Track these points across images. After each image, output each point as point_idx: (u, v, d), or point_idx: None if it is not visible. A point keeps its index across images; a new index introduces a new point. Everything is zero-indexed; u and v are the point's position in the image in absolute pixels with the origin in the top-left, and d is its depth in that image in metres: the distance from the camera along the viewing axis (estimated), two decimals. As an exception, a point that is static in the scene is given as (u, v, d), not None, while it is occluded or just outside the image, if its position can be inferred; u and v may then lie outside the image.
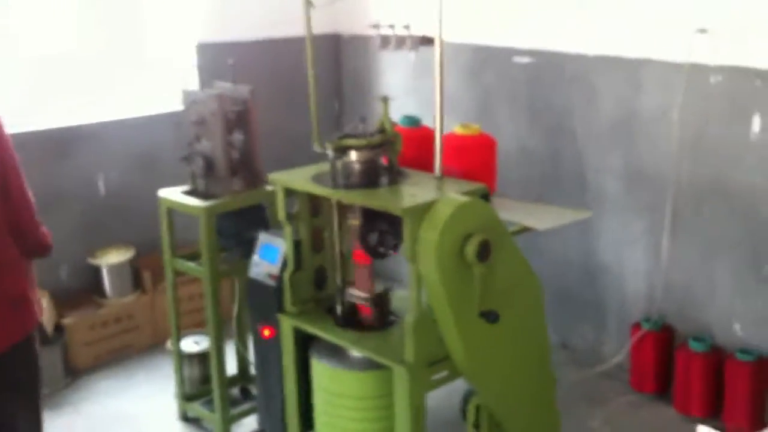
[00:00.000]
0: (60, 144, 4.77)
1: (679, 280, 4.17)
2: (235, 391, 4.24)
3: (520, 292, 3.13)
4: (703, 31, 3.84)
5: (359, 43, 5.63)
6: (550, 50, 4.50)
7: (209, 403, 4.05)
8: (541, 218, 3.33)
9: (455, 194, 2.95)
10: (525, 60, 4.63)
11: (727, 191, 3.93)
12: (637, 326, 4.24)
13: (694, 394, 3.97)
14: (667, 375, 4.17)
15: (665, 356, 4.16)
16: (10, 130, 4.53)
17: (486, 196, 3.08)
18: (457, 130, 3.47)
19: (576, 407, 4.10)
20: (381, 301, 3.37)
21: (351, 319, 3.33)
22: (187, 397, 4.14)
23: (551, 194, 4.44)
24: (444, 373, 3.11)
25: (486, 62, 4.83)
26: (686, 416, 4.01)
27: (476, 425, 3.33)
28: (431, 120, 3.31)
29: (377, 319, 3.33)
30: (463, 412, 3.39)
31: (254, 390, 4.19)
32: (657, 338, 4.16)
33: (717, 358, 3.95)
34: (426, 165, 3.33)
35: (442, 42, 3.03)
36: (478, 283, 2.91)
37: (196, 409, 4.10)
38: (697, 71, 3.90)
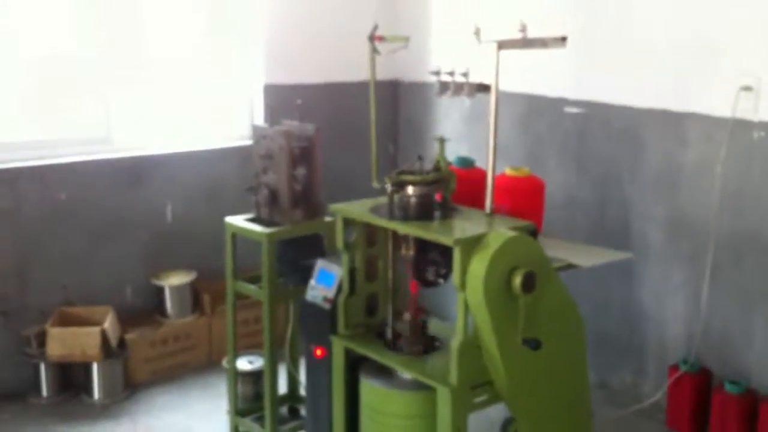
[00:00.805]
0: (133, 172, 5.09)
1: (717, 327, 4.31)
2: (284, 409, 4.46)
3: (562, 324, 3.31)
4: (747, 88, 4.04)
5: (417, 89, 5.92)
6: (600, 101, 4.72)
7: (260, 420, 4.26)
8: (584, 256, 3.53)
9: (504, 229, 3.17)
10: (575, 110, 4.85)
11: (766, 244, 4.08)
12: (675, 368, 4.38)
13: (728, 435, 4.10)
14: (703, 416, 4.29)
15: (702, 397, 4.29)
16: (89, 156, 4.93)
17: (533, 233, 3.29)
18: (508, 171, 3.70)
19: (612, 445, 4.25)
20: (427, 328, 3.59)
21: (399, 344, 3.54)
22: (239, 412, 4.36)
23: (596, 241, 4.59)
24: (485, 397, 3.30)
25: (538, 111, 5.07)
26: (720, 457, 4.14)
27: (514, 451, 3.51)
28: (483, 163, 3.54)
29: (423, 344, 3.54)
30: (502, 437, 3.58)
31: (302, 409, 4.40)
32: (694, 380, 4.31)
33: (752, 401, 4.08)
34: (477, 203, 3.55)
35: (497, 88, 3.29)
36: (522, 312, 3.11)
37: (247, 424, 4.31)
38: (740, 126, 4.08)
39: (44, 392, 4.73)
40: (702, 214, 4.31)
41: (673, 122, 4.41)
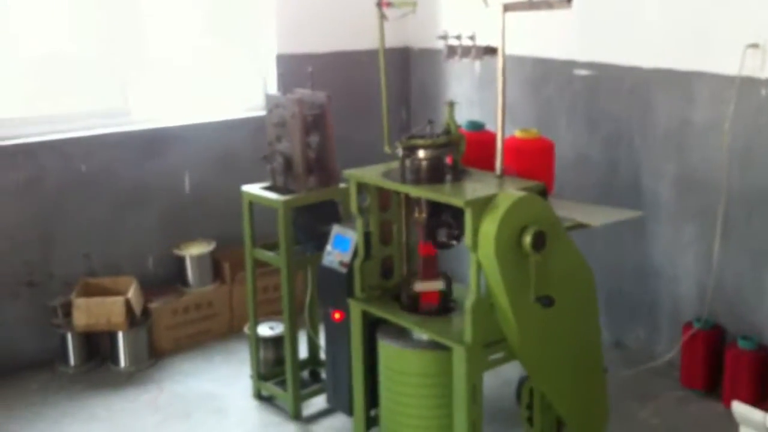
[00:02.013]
0: (151, 143, 5.18)
1: (729, 283, 4.37)
2: (305, 373, 4.57)
3: (573, 282, 3.39)
4: (754, 45, 4.06)
5: (427, 55, 5.95)
6: (609, 63, 4.75)
7: (282, 384, 4.38)
8: (594, 216, 3.60)
9: (514, 190, 3.24)
10: (584, 72, 4.89)
11: (776, 199, 4.13)
12: (688, 326, 4.45)
13: (741, 390, 4.14)
14: (716, 372, 4.35)
15: (715, 354, 4.35)
16: (107, 129, 5.03)
17: (543, 193, 3.35)
18: (518, 133, 3.75)
19: (626, 401, 4.32)
20: (442, 290, 3.67)
21: (415, 305, 3.63)
22: (261, 377, 4.47)
23: (607, 200, 4.66)
24: (499, 355, 3.39)
25: (547, 74, 5.11)
26: (734, 411, 4.21)
27: (529, 406, 3.60)
28: (493, 126, 3.60)
29: (439, 305, 3.63)
30: (518, 395, 3.67)
31: (323, 373, 4.51)
32: (707, 337, 4.37)
33: (765, 356, 4.14)
34: (487, 166, 3.61)
35: (504, 46, 3.34)
36: (533, 271, 3.18)
37: (270, 388, 4.43)
38: (748, 84, 4.11)
39: (71, 361, 4.85)
40: (712, 171, 4.35)
41: (681, 81, 4.44)
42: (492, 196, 3.20)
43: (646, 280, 4.79)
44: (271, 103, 4.32)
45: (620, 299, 4.90)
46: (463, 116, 3.76)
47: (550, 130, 4.80)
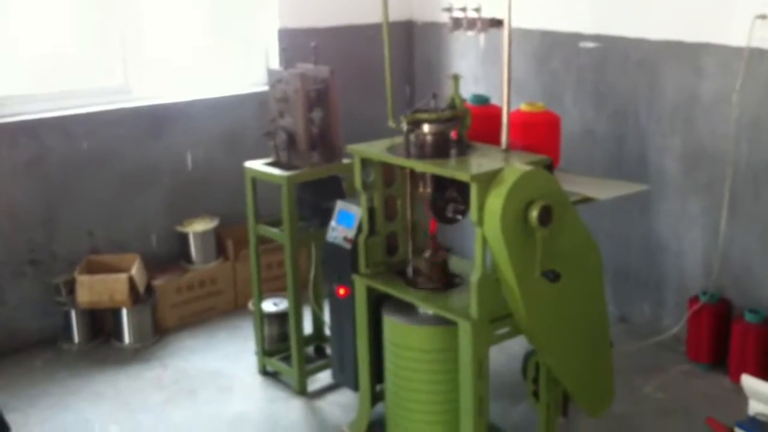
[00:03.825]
0: (152, 120, 5.14)
1: (736, 257, 4.34)
2: (310, 349, 4.56)
3: (579, 256, 3.36)
4: (763, 16, 4.00)
5: (431, 29, 5.89)
6: (615, 35, 4.70)
7: (287, 359, 4.37)
8: (601, 190, 3.56)
9: (520, 164, 3.20)
10: (590, 45, 4.83)
11: (784, 172, 4.09)
12: (694, 300, 4.42)
13: (748, 364, 4.13)
14: (723, 346, 4.34)
15: (721, 328, 4.33)
16: (109, 106, 4.99)
17: (549, 167, 3.32)
18: (523, 107, 3.71)
19: (632, 375, 4.31)
20: (447, 265, 3.65)
21: (420, 281, 3.60)
22: (266, 353, 4.46)
23: (613, 174, 4.63)
24: (505, 330, 3.36)
25: (553, 47, 5.05)
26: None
27: (535, 381, 3.58)
28: (499, 100, 3.56)
29: (444, 281, 3.60)
30: (524, 370, 3.65)
31: (328, 348, 4.50)
32: (714, 310, 4.35)
33: (771, 330, 4.12)
34: (493, 140, 3.57)
35: (510, 23, 3.30)
36: (539, 246, 3.15)
37: (275, 364, 4.42)
38: (756, 56, 4.06)
39: (75, 338, 4.85)
40: (719, 144, 4.31)
41: (688, 53, 4.38)
42: (498, 171, 3.16)
43: (652, 255, 4.76)
44: (274, 78, 4.28)
45: (626, 274, 4.88)
46: (467, 91, 3.71)
47: (556, 104, 4.77)
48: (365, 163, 3.63)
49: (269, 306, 4.55)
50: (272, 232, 4.25)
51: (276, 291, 4.82)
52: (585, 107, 4.94)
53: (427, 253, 3.62)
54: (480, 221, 3.16)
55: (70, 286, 4.77)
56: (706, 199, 4.44)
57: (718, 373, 4.35)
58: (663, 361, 4.51)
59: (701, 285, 4.51)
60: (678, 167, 4.54)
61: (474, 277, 3.23)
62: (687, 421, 3.98)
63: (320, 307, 4.54)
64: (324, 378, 4.36)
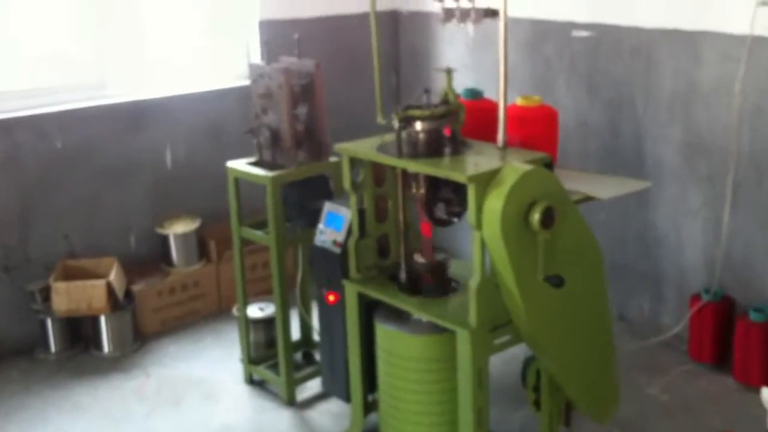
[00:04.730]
0: (129, 117, 4.93)
1: (739, 252, 4.18)
2: (298, 355, 4.38)
3: (582, 259, 3.19)
4: (765, 3, 3.84)
5: (417, 19, 5.70)
6: (609, 23, 4.52)
7: (274, 367, 4.19)
8: (603, 188, 3.39)
9: (519, 163, 3.02)
10: (584, 34, 4.65)
11: (788, 163, 3.94)
12: (696, 297, 4.27)
13: (753, 363, 4.00)
14: (726, 345, 4.19)
15: (725, 327, 4.18)
16: (84, 103, 4.77)
17: (549, 165, 3.15)
18: (519, 101, 3.52)
19: (634, 376, 4.16)
20: (442, 269, 3.47)
21: (414, 286, 3.43)
22: (252, 360, 4.27)
23: (610, 167, 4.47)
24: (506, 338, 3.20)
25: (545, 36, 4.87)
26: (746, 385, 4.04)
27: (536, 388, 3.42)
28: (491, 93, 3.38)
29: (439, 286, 3.43)
30: (524, 376, 3.49)
31: (317, 355, 4.32)
32: (717, 309, 4.19)
33: (777, 329, 3.98)
34: (487, 136, 3.39)
35: (506, 12, 3.11)
36: (542, 249, 2.98)
37: (262, 372, 4.24)
38: (759, 43, 3.90)
39: (52, 347, 4.64)
40: (720, 134, 4.15)
41: (687, 41, 4.22)
42: (496, 170, 2.98)
43: (651, 250, 4.61)
44: (256, 73, 4.07)
45: (623, 270, 4.71)
46: (457, 82, 3.52)
47: (549, 95, 4.59)
48: (354, 162, 3.44)
49: (255, 311, 4.36)
50: (257, 235, 4.07)
51: (262, 293, 4.63)
52: (579, 97, 4.76)
53: (421, 257, 3.45)
54: (478, 224, 2.98)
55: (46, 293, 4.56)
56: (707, 191, 4.28)
57: (720, 373, 4.21)
58: (665, 360, 4.36)
59: (702, 281, 4.36)
60: (677, 158, 4.38)
61: (472, 283, 3.05)
62: (693, 424, 3.84)
63: (308, 311, 4.36)
64: (314, 386, 4.18)
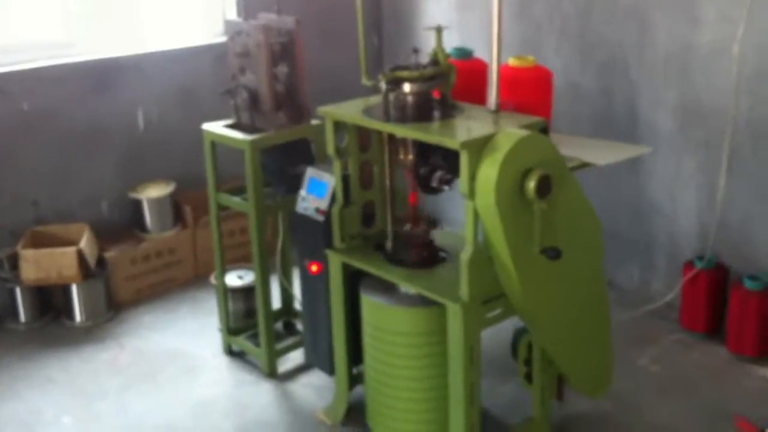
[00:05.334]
0: (99, 77, 4.70)
1: (734, 219, 4.06)
2: (279, 325, 4.23)
3: (578, 229, 3.05)
4: (767, -41, 3.68)
5: (400, -26, 5.49)
6: (603, -20, 4.35)
7: (254, 337, 4.03)
8: (600, 153, 3.24)
9: (514, 128, 2.86)
10: (575, -9, 4.48)
11: (787, 128, 3.80)
12: (689, 265, 4.15)
13: (747, 333, 3.90)
14: (719, 314, 4.09)
15: (718, 295, 4.08)
16: (49, 62, 4.52)
17: (545, 130, 2.99)
18: (512, 61, 3.34)
19: (624, 346, 4.01)
20: (431, 238, 3.31)
21: (400, 256, 3.27)
22: (231, 331, 4.12)
23: (602, 131, 4.31)
24: (498, 311, 3.06)
25: (534, -6, 4.68)
26: (739, 355, 3.94)
27: (527, 362, 3.30)
28: (481, 53, 3.19)
29: (427, 256, 3.27)
30: (514, 349, 3.36)
31: (298, 324, 4.17)
32: (710, 276, 4.08)
33: (772, 298, 3.87)
34: (477, 99, 3.24)
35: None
36: (538, 220, 2.83)
37: (242, 343, 4.08)
38: (758, 3, 3.74)
39: (22, 317, 4.45)
40: (717, 98, 4.00)
41: (683, 1, 4.05)
42: (490, 136, 2.81)
43: (642, 216, 4.47)
44: (232, 30, 3.86)
45: (612, 236, 4.49)
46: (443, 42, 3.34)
47: (538, 56, 4.34)
48: (338, 126, 3.26)
49: (233, 280, 4.19)
50: (235, 201, 3.88)
51: (240, 260, 4.46)
52: (569, 59, 4.59)
53: (409, 226, 3.29)
54: (471, 193, 2.82)
55: (14, 261, 4.36)
56: (702, 156, 4.14)
57: (713, 343, 4.10)
58: (655, 329, 4.25)
59: (695, 248, 4.24)
60: (672, 123, 4.23)
61: (464, 255, 2.90)
62: (687, 397, 3.73)
63: (289, 280, 4.20)
64: (295, 357, 4.03)
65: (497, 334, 3.71)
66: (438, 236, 3.36)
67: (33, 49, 4.54)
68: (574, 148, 3.19)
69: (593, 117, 4.51)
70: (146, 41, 4.89)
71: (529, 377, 3.33)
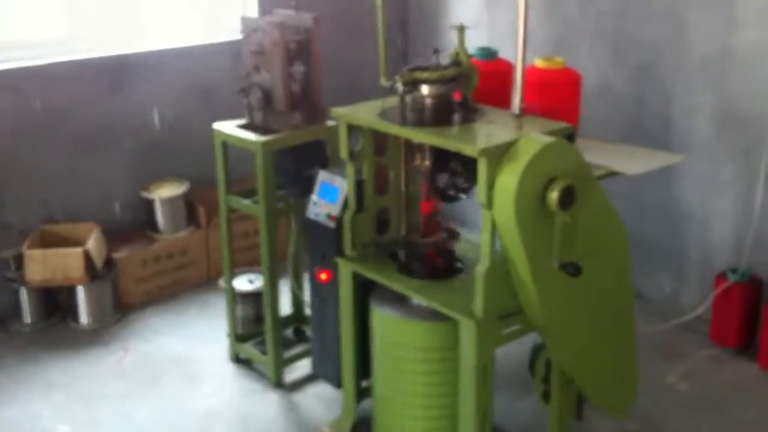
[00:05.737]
0: (114, 75, 4.57)
1: (771, 231, 3.86)
2: (289, 332, 4.08)
3: (603, 241, 2.86)
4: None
5: (427, -29, 5.32)
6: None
7: (262, 344, 3.88)
8: (631, 162, 3.04)
9: (537, 134, 2.67)
10: (609, -9, 4.28)
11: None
12: (721, 277, 3.96)
13: (782, 350, 3.71)
14: (752, 330, 3.91)
15: (751, 309, 3.90)
16: (61, 58, 4.39)
17: (571, 137, 2.79)
18: (539, 63, 3.15)
19: (651, 362, 3.83)
20: (448, 248, 3.14)
21: (414, 266, 3.09)
22: (239, 337, 3.96)
23: (634, 136, 4.09)
24: (516, 328, 2.88)
25: (566, -7, 4.49)
26: (772, 373, 3.76)
27: (545, 380, 3.11)
28: (507, 53, 3.00)
29: (443, 266, 3.09)
30: (532, 366, 3.18)
31: (308, 331, 4.02)
32: (744, 290, 3.90)
33: (809, 315, 3.66)
34: (501, 101, 3.05)
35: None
36: (559, 232, 2.65)
37: (249, 351, 3.93)
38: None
39: (27, 319, 4.33)
40: (757, 103, 3.80)
41: (721, 1, 3.84)
42: (511, 143, 2.63)
43: (674, 225, 4.26)
44: (248, 28, 3.70)
45: (642, 245, 4.32)
46: (469, 42, 3.16)
47: (569, 57, 4.13)
48: (352, 129, 3.09)
49: (243, 284, 4.04)
50: (245, 204, 3.73)
51: (253, 263, 4.29)
52: (601, 60, 4.39)
53: (424, 234, 3.11)
54: (489, 203, 2.64)
55: (20, 261, 4.24)
56: (739, 164, 3.93)
57: (745, 359, 3.92)
58: (685, 344, 4.06)
59: (728, 260, 4.03)
60: (708, 128, 4.02)
61: (480, 269, 2.72)
62: (716, 417, 3.55)
63: (300, 286, 4.03)
64: (304, 366, 3.87)
65: (518, 346, 3.51)
66: (455, 245, 3.18)
67: (47, 47, 4.43)
68: (602, 156, 3.00)
69: (625, 121, 4.32)
70: (163, 38, 4.76)
71: (546, 395, 3.15)
